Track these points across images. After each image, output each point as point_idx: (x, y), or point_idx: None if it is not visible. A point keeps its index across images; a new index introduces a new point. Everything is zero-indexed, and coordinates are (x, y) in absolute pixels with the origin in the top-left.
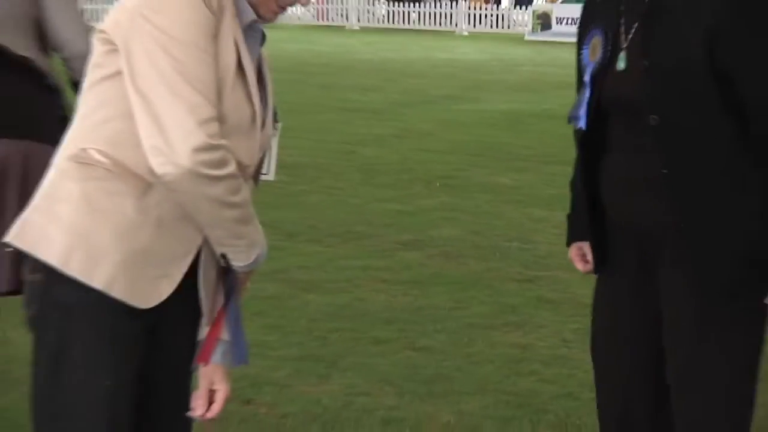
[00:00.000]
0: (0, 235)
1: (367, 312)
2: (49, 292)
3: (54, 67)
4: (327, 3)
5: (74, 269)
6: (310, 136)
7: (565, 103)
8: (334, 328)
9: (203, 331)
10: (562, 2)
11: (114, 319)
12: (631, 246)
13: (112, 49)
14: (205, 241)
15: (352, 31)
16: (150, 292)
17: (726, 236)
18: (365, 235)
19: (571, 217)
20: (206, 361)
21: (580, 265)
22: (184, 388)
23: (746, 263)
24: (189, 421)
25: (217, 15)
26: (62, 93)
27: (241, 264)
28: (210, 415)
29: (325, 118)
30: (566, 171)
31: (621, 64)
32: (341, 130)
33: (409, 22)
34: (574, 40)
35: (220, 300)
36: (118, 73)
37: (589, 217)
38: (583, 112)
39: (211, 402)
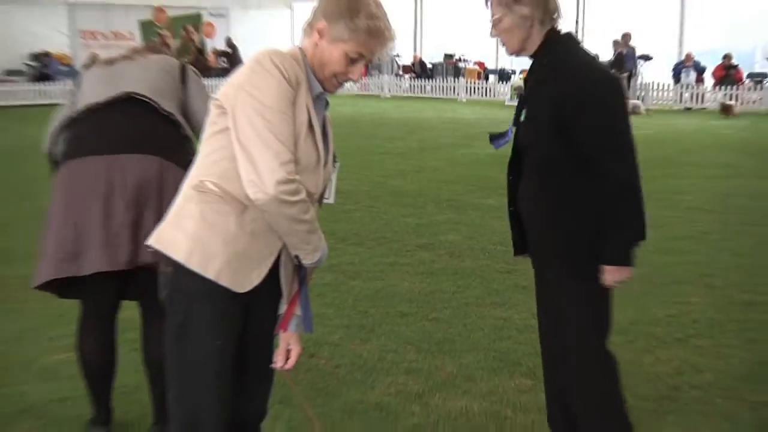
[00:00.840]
0: (140, 223)
1: (395, 294)
2: (177, 280)
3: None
4: (368, 79)
5: (194, 264)
6: (356, 171)
7: None
8: (372, 305)
9: (282, 308)
10: None
11: (221, 299)
12: (533, 247)
13: (223, 112)
14: (284, 246)
15: (386, 98)
16: (246, 281)
17: (572, 230)
18: (393, 240)
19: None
20: (285, 329)
21: None
22: (269, 347)
23: (588, 249)
24: (272, 371)
25: (295, 89)
26: (191, 140)
27: (309, 262)
28: (287, 366)
29: (367, 159)
30: None
31: (521, 120)
32: (377, 166)
33: (425, 92)
34: None
35: (295, 286)
36: (227, 129)
37: (512, 226)
38: (497, 143)
39: (287, 357)
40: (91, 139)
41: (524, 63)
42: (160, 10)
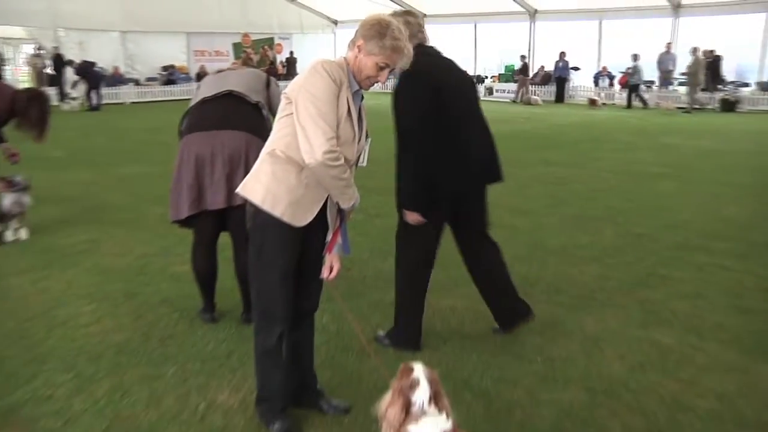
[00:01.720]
0: (233, 177)
1: None
2: (256, 216)
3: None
4: (389, 81)
5: (267, 206)
6: (376, 143)
7: (499, 132)
8: (389, 235)
9: (328, 236)
10: (498, 81)
11: (285, 229)
12: None
13: (289, 102)
14: (329, 195)
15: None
16: (302, 218)
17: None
18: None
19: None
20: (330, 252)
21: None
22: (319, 262)
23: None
24: (321, 282)
25: (339, 87)
26: (269, 122)
27: (345, 207)
28: (330, 277)
29: (384, 135)
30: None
31: None
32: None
33: None
34: (506, 100)
35: (337, 222)
36: (291, 114)
37: None
38: None
39: (331, 271)
40: (202, 121)
41: (495, 70)
42: (246, 35)
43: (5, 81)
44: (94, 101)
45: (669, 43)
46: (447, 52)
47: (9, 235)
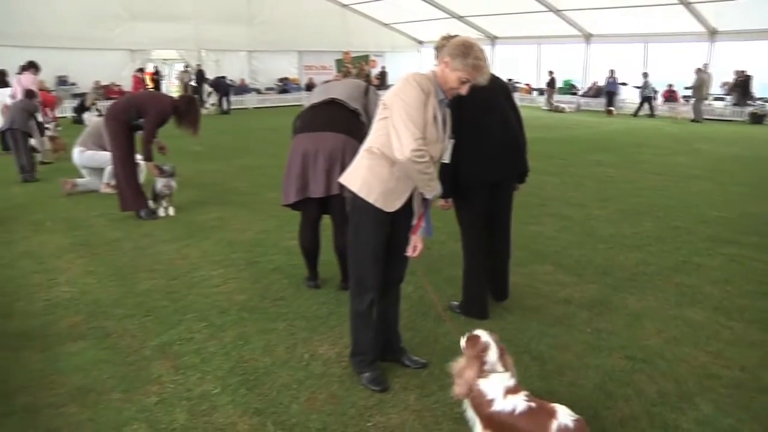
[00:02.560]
0: (331, 171)
1: None
2: (354, 201)
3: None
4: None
5: (363, 194)
6: None
7: (556, 137)
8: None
9: (414, 221)
10: (557, 94)
11: (378, 213)
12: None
13: (385, 107)
14: (415, 187)
15: None
16: (392, 205)
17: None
18: None
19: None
20: (415, 234)
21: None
22: (405, 243)
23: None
24: (407, 258)
25: (426, 95)
26: (365, 126)
27: (429, 196)
28: (414, 255)
29: None
30: None
31: None
32: None
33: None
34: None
35: (422, 209)
36: (386, 117)
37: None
38: None
39: (415, 250)
40: (309, 123)
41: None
42: (346, 52)
43: (162, 92)
44: (225, 107)
45: (705, 64)
46: (513, 68)
47: (161, 212)
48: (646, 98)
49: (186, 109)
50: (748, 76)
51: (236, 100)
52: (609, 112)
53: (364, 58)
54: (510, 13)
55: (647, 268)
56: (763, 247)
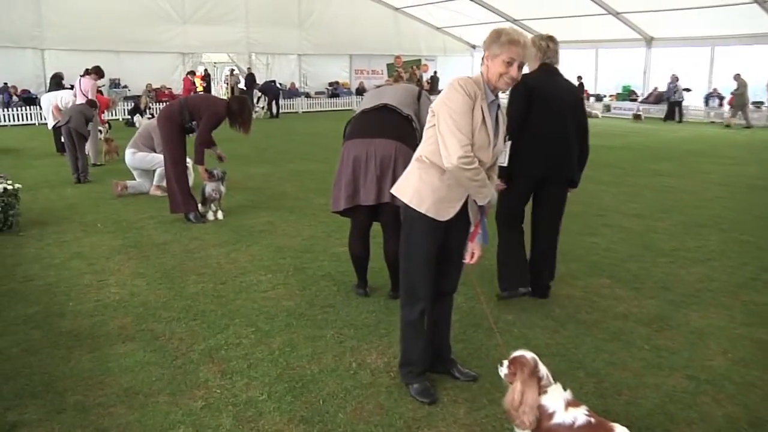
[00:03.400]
0: (383, 179)
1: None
2: (406, 210)
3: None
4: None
5: (414, 204)
6: None
7: (614, 144)
8: None
9: (471, 228)
10: (616, 100)
11: (429, 222)
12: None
13: (434, 115)
14: (469, 194)
15: None
16: (445, 214)
17: None
18: None
19: None
20: (472, 241)
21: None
22: (459, 252)
23: None
24: (460, 267)
25: (473, 99)
26: (417, 131)
27: (481, 203)
28: (471, 262)
29: None
30: None
31: None
32: None
33: None
34: (625, 117)
35: (478, 216)
36: (435, 125)
37: None
38: None
39: (472, 256)
40: (360, 129)
41: (611, 89)
42: (398, 57)
43: (214, 95)
44: (274, 111)
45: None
46: (569, 73)
47: (210, 216)
48: (676, 103)
49: (238, 109)
50: None
51: (286, 104)
52: (637, 117)
53: (416, 62)
54: (567, 16)
55: (711, 284)
56: None
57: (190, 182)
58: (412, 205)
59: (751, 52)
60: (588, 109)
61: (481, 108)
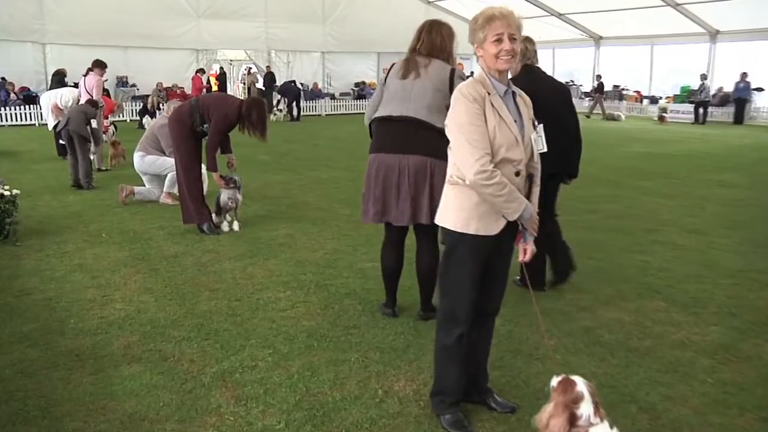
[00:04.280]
0: (417, 198)
1: (568, 240)
2: (451, 235)
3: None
4: None
5: (460, 228)
6: None
7: (672, 151)
8: None
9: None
10: (673, 102)
11: (478, 241)
12: None
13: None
14: None
15: None
16: (495, 227)
17: None
18: (567, 206)
19: None
20: (518, 243)
21: None
22: (505, 268)
23: None
24: (504, 286)
25: (481, 102)
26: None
27: (511, 218)
28: (526, 259)
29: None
30: None
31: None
32: None
33: (597, 110)
34: (684, 122)
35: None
36: None
37: None
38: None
39: (525, 253)
40: (387, 142)
41: (669, 90)
42: None
43: (230, 95)
44: (294, 113)
45: None
46: (620, 73)
47: (225, 227)
48: (701, 104)
49: (251, 113)
50: None
51: (308, 106)
52: (661, 119)
53: None
54: (619, 9)
55: None
56: None
57: (205, 190)
58: (457, 230)
59: None
60: (610, 111)
61: (493, 106)
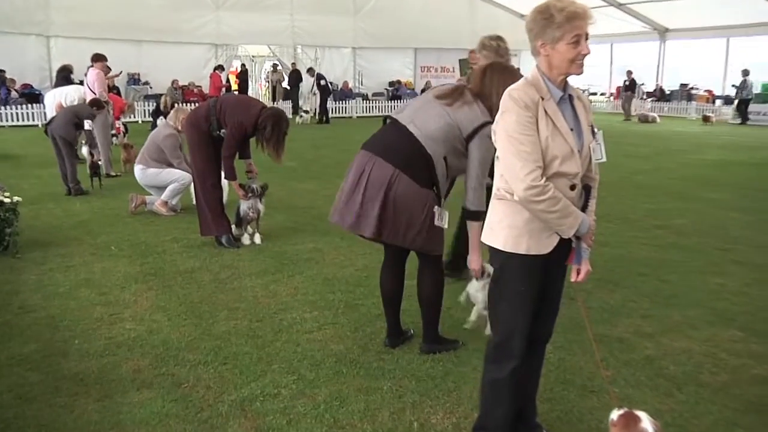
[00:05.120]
0: (368, 212)
1: (634, 259)
2: (497, 255)
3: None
4: (618, 100)
5: (511, 248)
6: (607, 168)
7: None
8: (616, 266)
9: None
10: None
11: (526, 261)
12: None
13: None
14: None
15: (632, 115)
16: (548, 244)
17: None
18: (634, 220)
19: None
20: (570, 262)
21: None
22: (558, 289)
23: None
24: (557, 310)
25: (534, 109)
26: (439, 169)
27: (566, 236)
28: (580, 279)
29: (617, 160)
30: None
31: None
32: (624, 165)
33: (663, 111)
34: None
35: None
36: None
37: None
38: None
39: (578, 273)
40: (372, 139)
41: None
42: (473, 51)
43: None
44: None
45: None
46: (690, 69)
47: (246, 240)
48: (743, 101)
49: (268, 126)
50: None
51: (337, 107)
52: (706, 119)
53: None
54: None
55: None
56: None
57: (225, 199)
58: (507, 250)
59: None
60: (644, 112)
61: (547, 114)
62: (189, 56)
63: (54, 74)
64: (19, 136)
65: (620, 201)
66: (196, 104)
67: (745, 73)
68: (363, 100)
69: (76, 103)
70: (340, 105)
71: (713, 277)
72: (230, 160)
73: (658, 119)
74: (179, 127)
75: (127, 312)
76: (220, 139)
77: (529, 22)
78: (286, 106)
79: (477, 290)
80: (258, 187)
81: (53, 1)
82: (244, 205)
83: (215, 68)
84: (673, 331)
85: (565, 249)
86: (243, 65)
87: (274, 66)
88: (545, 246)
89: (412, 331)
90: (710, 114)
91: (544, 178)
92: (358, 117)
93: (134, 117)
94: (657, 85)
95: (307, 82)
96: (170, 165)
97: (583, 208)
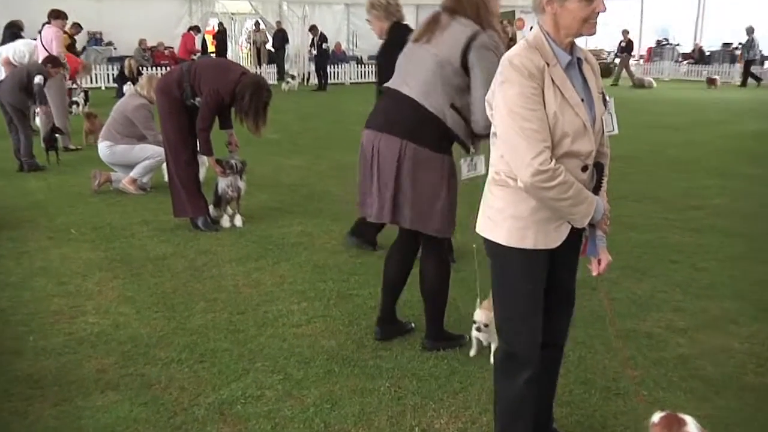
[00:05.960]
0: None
1: (665, 244)
2: (495, 249)
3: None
4: (649, 64)
5: (516, 243)
6: (636, 140)
7: None
8: (645, 252)
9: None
10: None
11: (531, 256)
12: None
13: (492, 109)
14: None
15: (664, 81)
16: (558, 236)
17: None
18: (666, 199)
19: None
20: (584, 254)
21: None
22: (571, 284)
23: None
24: (572, 308)
25: (539, 77)
26: (446, 119)
27: (580, 225)
28: (601, 270)
29: (646, 131)
30: None
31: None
32: (654, 138)
33: (701, 76)
34: None
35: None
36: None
37: None
38: None
39: (599, 264)
40: (373, 115)
41: None
42: None
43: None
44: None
45: None
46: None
47: (225, 222)
48: (749, 62)
49: (246, 96)
50: None
51: (329, 73)
52: (711, 82)
53: (509, 16)
54: None
55: None
56: None
57: (202, 176)
58: (511, 245)
59: None
60: (640, 75)
61: (554, 83)
62: (159, 12)
63: (1, 31)
64: None
65: (650, 178)
66: (168, 69)
67: (750, 30)
68: (357, 64)
69: (26, 59)
70: (332, 70)
71: (757, 265)
72: (206, 132)
73: (654, 84)
74: (152, 97)
75: (90, 304)
76: (195, 108)
77: None
78: (270, 71)
79: None
80: (238, 163)
81: None
82: (223, 183)
83: (190, 28)
84: (710, 327)
85: (576, 236)
86: (221, 24)
87: (257, 24)
88: (554, 239)
89: (412, 324)
90: (715, 76)
91: (554, 161)
92: (351, 83)
93: (96, 82)
94: (695, 45)
95: (305, 42)
96: (141, 140)
97: (595, 190)
